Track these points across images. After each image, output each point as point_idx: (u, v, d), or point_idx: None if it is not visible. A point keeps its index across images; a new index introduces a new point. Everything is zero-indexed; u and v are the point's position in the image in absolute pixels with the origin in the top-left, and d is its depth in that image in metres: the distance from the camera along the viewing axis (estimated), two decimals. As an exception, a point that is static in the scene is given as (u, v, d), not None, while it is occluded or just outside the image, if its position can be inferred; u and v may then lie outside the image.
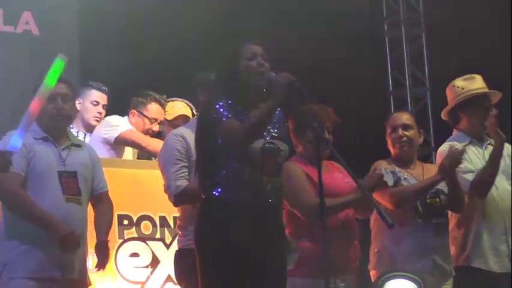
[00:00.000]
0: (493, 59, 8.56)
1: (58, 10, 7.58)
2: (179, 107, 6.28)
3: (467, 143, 5.27)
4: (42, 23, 7.61)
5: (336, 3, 8.44)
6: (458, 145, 5.18)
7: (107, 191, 4.87)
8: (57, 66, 4.25)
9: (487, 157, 5.26)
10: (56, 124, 4.70)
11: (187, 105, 6.28)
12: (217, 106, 4.09)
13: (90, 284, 4.77)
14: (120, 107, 6.50)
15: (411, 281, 4.66)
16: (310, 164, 4.72)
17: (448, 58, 9.03)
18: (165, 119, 6.24)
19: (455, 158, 4.95)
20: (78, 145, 4.82)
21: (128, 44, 8.15)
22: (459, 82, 5.42)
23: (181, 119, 6.16)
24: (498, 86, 5.52)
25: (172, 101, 6.34)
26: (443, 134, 5.54)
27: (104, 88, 6.36)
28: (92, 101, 6.36)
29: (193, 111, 6.20)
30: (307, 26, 8.62)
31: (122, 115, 6.31)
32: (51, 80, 4.25)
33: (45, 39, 7.57)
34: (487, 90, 5.40)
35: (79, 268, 4.62)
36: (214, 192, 4.08)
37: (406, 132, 5.13)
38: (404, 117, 5.18)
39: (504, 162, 5.27)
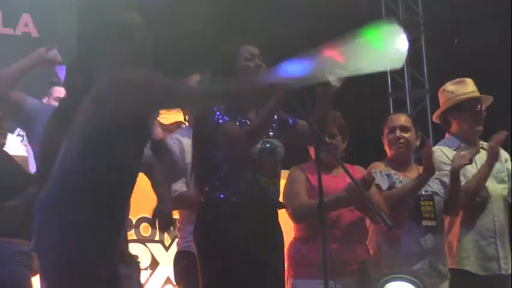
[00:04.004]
0: (492, 60, 8.57)
1: (57, 12, 7.59)
2: (175, 112, 6.20)
3: (457, 147, 5.24)
4: (42, 25, 7.62)
5: (335, 5, 8.44)
6: (448, 150, 5.17)
7: None
8: None
9: (478, 161, 5.25)
10: None
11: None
12: (214, 108, 4.09)
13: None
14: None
15: (410, 283, 4.65)
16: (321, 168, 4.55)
17: (447, 60, 9.04)
18: (159, 122, 6.11)
19: (459, 159, 4.96)
20: None
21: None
22: (449, 86, 5.40)
23: (176, 125, 6.04)
24: (497, 87, 5.52)
25: None
26: (442, 135, 5.53)
27: None
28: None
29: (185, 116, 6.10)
30: (307, 27, 8.62)
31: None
32: None
33: (44, 41, 7.57)
34: (477, 94, 5.34)
35: None
36: (213, 194, 4.08)
37: (403, 134, 5.11)
38: (402, 119, 5.17)
39: (495, 166, 5.24)
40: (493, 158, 5.16)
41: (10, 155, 4.76)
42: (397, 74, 10.20)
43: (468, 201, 5.11)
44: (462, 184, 5.11)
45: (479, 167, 5.22)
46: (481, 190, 5.14)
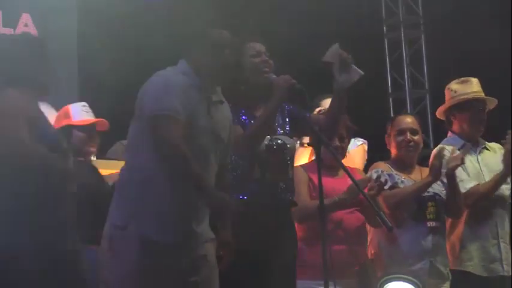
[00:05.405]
0: (492, 60, 8.57)
1: (57, 12, 7.58)
2: None
3: (460, 146, 5.23)
4: (42, 25, 7.60)
5: (335, 5, 8.44)
6: (454, 149, 5.14)
7: None
8: None
9: (481, 161, 5.23)
10: None
11: None
12: None
13: None
14: (120, 108, 6.49)
15: (410, 283, 4.65)
16: (324, 169, 4.41)
17: (447, 60, 9.03)
18: None
19: (452, 161, 4.95)
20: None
21: (127, 46, 8.15)
22: (454, 85, 5.37)
23: None
24: (498, 87, 5.51)
25: None
26: (442, 135, 5.52)
27: None
28: None
29: None
30: (307, 27, 8.62)
31: (122, 116, 6.24)
32: None
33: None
34: (481, 94, 5.31)
35: None
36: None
37: (413, 137, 5.10)
38: (411, 121, 5.14)
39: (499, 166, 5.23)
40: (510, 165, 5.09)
41: (98, 170, 4.94)
42: (397, 74, 10.21)
43: (477, 202, 5.10)
44: (474, 185, 5.10)
45: (482, 167, 5.22)
46: (492, 194, 5.12)
